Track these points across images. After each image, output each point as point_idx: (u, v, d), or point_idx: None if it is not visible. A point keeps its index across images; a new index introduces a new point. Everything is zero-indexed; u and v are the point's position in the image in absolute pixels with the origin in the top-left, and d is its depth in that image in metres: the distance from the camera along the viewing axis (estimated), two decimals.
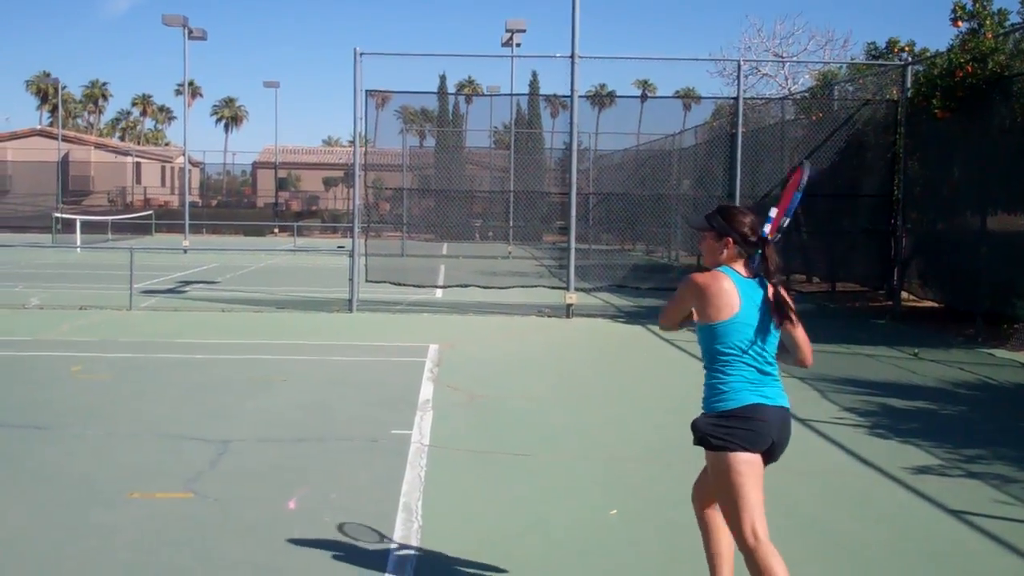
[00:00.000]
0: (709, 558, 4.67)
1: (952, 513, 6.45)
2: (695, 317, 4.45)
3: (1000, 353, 13.48)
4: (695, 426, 4.36)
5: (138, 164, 66.38)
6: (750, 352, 4.30)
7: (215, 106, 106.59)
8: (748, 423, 4.26)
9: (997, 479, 7.26)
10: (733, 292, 4.28)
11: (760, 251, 4.35)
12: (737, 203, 17.83)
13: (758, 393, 4.29)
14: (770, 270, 4.34)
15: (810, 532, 6.08)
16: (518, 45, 38.07)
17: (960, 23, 15.62)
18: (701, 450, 8.03)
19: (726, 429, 4.26)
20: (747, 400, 4.27)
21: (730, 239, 4.38)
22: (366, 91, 17.75)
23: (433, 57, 38.08)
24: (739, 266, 4.37)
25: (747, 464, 4.25)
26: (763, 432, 4.27)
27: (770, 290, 4.35)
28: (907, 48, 19.63)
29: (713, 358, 4.35)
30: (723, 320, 4.27)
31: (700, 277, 4.35)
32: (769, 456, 4.37)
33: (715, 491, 4.40)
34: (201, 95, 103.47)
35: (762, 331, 4.30)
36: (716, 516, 4.57)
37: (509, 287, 19.60)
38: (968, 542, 5.96)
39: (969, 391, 10.93)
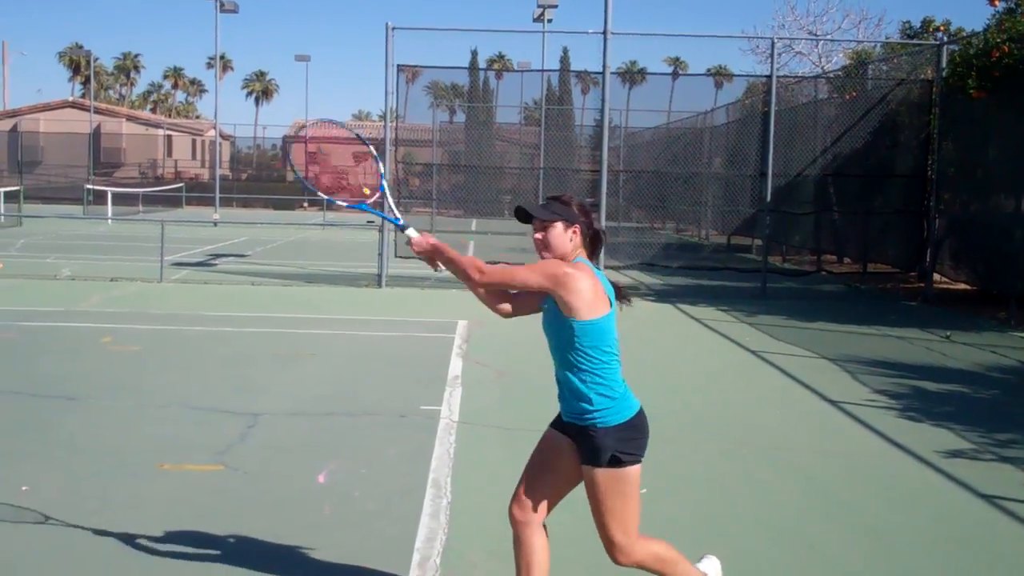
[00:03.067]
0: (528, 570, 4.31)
1: (983, 497, 6.41)
2: (567, 310, 4.04)
3: None
4: (600, 447, 4.03)
5: (169, 137, 66.63)
6: (617, 352, 4.17)
7: (246, 79, 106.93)
8: (642, 431, 4.14)
9: None
10: (599, 284, 4.11)
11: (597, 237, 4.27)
12: (769, 182, 17.72)
13: (633, 397, 4.19)
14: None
15: (840, 514, 6.05)
16: (550, 21, 37.90)
17: (997, 2, 15.46)
18: (730, 430, 8.03)
19: (633, 442, 4.09)
20: (636, 405, 4.15)
21: (578, 226, 4.18)
22: (397, 66, 17.72)
23: (464, 32, 37.93)
24: (584, 255, 4.22)
25: (638, 474, 4.14)
26: (647, 436, 4.19)
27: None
28: (942, 28, 19.45)
29: (591, 359, 4.06)
30: (604, 315, 4.08)
31: (572, 265, 4.07)
32: None
33: (603, 506, 4.10)
34: (232, 68, 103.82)
35: (615, 327, 4.20)
36: (540, 533, 4.34)
37: None
38: (998, 526, 5.92)
39: (1002, 375, 10.84)
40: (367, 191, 4.62)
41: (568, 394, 4.15)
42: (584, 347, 4.06)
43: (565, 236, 4.16)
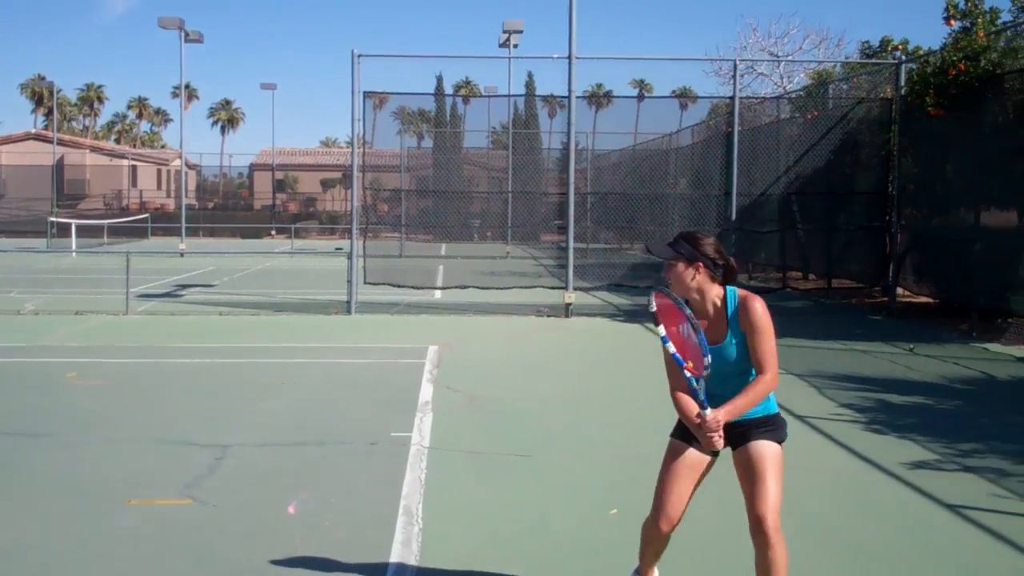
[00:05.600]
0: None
1: (948, 507, 6.50)
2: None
3: (994, 347, 13.53)
4: (784, 424, 4.51)
5: (134, 167, 66.37)
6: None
7: (212, 108, 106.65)
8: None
9: (993, 473, 7.30)
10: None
11: (727, 270, 4.48)
12: (734, 201, 17.89)
13: None
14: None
15: (809, 528, 6.11)
16: (515, 46, 38.09)
17: (953, 22, 15.67)
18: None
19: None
20: None
21: (701, 264, 4.40)
22: (364, 92, 17.79)
23: (430, 58, 37.95)
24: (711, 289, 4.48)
25: None
26: None
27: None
28: (901, 47, 19.71)
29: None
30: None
31: (759, 300, 4.44)
32: None
33: (775, 479, 4.40)
34: (197, 97, 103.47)
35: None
36: None
37: (508, 287, 19.62)
38: (964, 536, 6.00)
39: (965, 386, 10.98)
40: (691, 364, 4.37)
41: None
42: (746, 356, 4.46)
43: (686, 274, 4.40)
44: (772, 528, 4.29)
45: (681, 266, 4.40)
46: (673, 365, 4.36)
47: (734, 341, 4.40)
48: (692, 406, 4.36)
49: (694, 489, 4.60)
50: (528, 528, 6.13)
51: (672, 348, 4.34)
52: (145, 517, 6.31)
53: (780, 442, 4.46)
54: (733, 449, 4.54)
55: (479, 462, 7.68)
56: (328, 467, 7.50)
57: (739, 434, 4.47)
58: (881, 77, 19.43)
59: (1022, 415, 9.62)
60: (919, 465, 7.51)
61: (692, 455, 4.53)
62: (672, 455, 4.58)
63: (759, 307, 4.38)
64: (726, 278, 4.48)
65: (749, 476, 4.44)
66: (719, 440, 4.33)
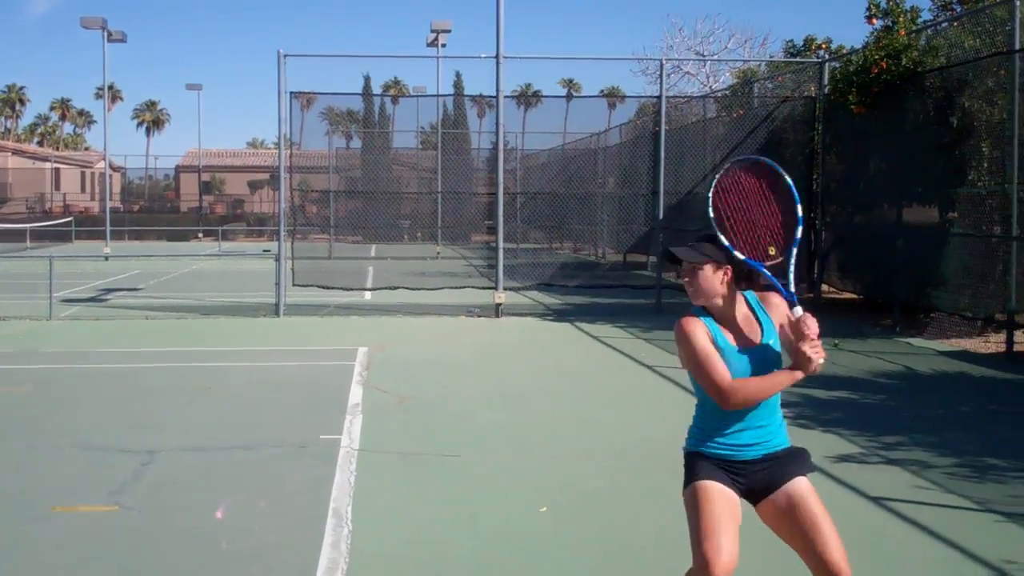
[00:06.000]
0: None
1: (872, 500, 6.61)
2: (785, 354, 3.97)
3: (917, 342, 13.81)
4: (808, 456, 4.17)
5: (57, 170, 65.19)
6: None
7: (136, 109, 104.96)
8: (691, 464, 4.21)
9: (915, 465, 7.44)
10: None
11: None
12: (662, 200, 18.03)
13: None
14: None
15: (742, 527, 6.17)
16: (443, 46, 38.10)
17: (874, 20, 15.95)
18: (632, 449, 8.16)
19: (687, 473, 4.19)
20: (694, 443, 4.24)
21: (730, 267, 3.96)
22: (290, 93, 17.66)
23: (358, 58, 37.74)
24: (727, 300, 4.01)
25: None
26: None
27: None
28: (824, 46, 19.99)
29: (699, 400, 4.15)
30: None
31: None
32: None
33: (824, 514, 4.02)
34: (122, 99, 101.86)
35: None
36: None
37: (438, 288, 19.59)
38: (888, 527, 6.11)
39: (888, 380, 11.19)
40: (773, 251, 3.99)
41: (778, 424, 4.08)
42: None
43: (715, 278, 3.95)
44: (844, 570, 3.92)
45: (710, 269, 3.94)
46: (708, 358, 3.90)
47: (772, 337, 3.98)
48: (761, 380, 3.87)
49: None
50: (457, 528, 6.14)
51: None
52: (70, 524, 6.21)
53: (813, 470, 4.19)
54: (757, 501, 4.10)
55: (409, 463, 7.66)
56: (257, 471, 7.43)
57: (764, 479, 4.05)
58: (805, 76, 19.73)
59: (944, 408, 9.82)
60: (844, 458, 7.63)
61: (730, 494, 4.03)
62: (707, 498, 3.99)
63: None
64: (751, 283, 4.04)
65: (798, 525, 4.00)
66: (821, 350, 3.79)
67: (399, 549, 5.74)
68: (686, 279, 4.01)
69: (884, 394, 10.40)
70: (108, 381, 11.30)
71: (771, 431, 4.04)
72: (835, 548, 3.93)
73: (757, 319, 4.02)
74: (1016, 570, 5.32)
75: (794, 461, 4.06)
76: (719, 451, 4.06)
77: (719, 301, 3.99)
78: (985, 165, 13.51)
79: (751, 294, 4.06)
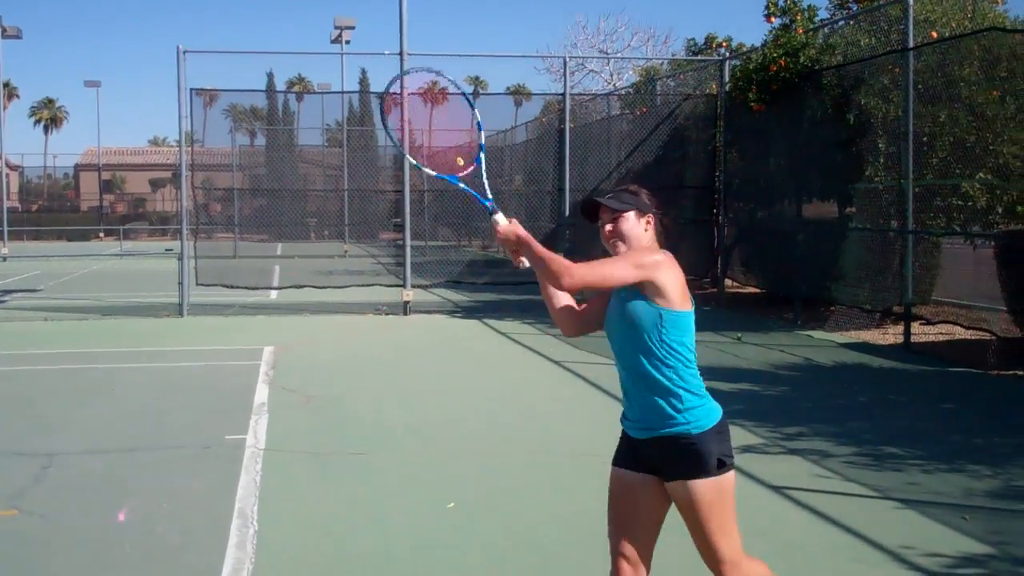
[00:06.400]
0: None
1: (773, 489, 6.74)
2: (663, 300, 3.70)
3: (818, 334, 14.11)
4: (704, 452, 3.65)
5: None
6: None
7: (33, 107, 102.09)
8: (728, 432, 3.78)
9: (815, 454, 7.61)
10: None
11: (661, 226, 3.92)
12: (568, 197, 18.15)
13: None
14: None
15: None
16: (348, 42, 37.84)
17: (773, 19, 16.25)
18: (538, 442, 8.19)
19: (727, 444, 3.73)
20: (718, 406, 3.79)
21: (651, 216, 3.88)
22: (191, 89, 17.42)
23: (261, 55, 37.12)
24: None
25: None
26: None
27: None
28: (725, 44, 20.36)
29: (678, 356, 3.72)
30: (689, 310, 3.78)
31: (659, 251, 3.79)
32: None
33: (712, 523, 3.71)
34: (18, 96, 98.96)
35: None
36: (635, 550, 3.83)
37: (346, 286, 19.46)
38: (789, 515, 6.24)
39: (789, 372, 11.42)
40: (461, 161, 3.98)
41: (651, 399, 3.70)
42: (672, 341, 3.69)
43: (639, 226, 3.83)
44: (737, 569, 3.79)
45: (633, 216, 3.82)
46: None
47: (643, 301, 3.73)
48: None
49: (655, 529, 3.89)
50: (364, 525, 6.12)
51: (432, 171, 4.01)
52: None
53: (709, 476, 3.69)
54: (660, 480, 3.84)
55: (316, 462, 7.61)
56: (160, 473, 7.31)
57: (655, 464, 3.80)
58: (706, 74, 20.03)
59: (844, 399, 10.04)
60: (746, 449, 7.76)
61: (631, 477, 3.83)
62: (609, 490, 3.89)
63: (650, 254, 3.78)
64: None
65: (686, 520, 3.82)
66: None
67: (306, 548, 5.70)
68: (608, 229, 3.85)
69: (786, 386, 10.61)
70: (5, 384, 11.01)
71: (641, 409, 3.76)
72: (708, 555, 3.79)
73: None
74: (914, 555, 5.47)
75: (685, 460, 3.69)
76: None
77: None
78: (881, 161, 13.85)
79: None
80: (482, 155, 4.01)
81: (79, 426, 8.83)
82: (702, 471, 3.64)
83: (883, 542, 5.68)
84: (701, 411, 3.68)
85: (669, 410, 3.68)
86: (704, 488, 3.65)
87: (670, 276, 3.70)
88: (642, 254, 3.72)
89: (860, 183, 14.22)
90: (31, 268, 29.21)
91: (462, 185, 4.02)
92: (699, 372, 3.78)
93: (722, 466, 3.67)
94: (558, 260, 3.65)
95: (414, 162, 4.02)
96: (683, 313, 3.72)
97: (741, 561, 3.77)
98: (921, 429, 8.59)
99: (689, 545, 3.86)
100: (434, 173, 4.00)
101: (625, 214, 3.82)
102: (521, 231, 3.72)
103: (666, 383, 3.68)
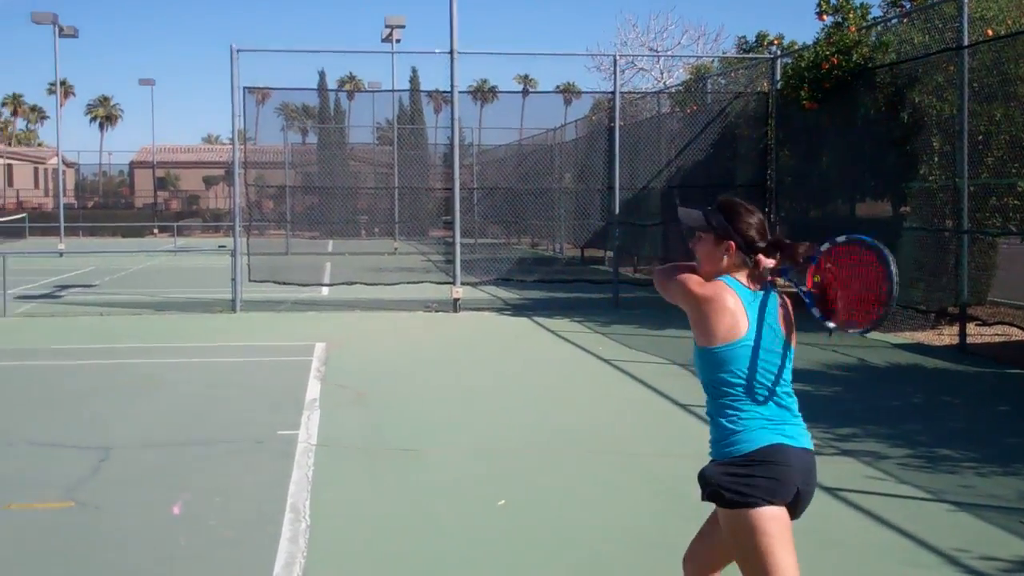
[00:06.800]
0: None
1: (826, 490, 6.68)
2: (695, 333, 3.61)
3: (871, 335, 13.95)
4: (704, 477, 3.61)
5: (9, 166, 64.37)
6: (764, 382, 3.56)
7: (89, 105, 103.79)
8: (769, 469, 3.48)
9: (869, 456, 7.54)
10: (739, 309, 3.53)
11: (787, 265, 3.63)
12: (617, 195, 18.11)
13: (778, 432, 3.54)
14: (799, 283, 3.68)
15: (697, 516, 6.21)
16: (398, 41, 38.00)
17: (825, 17, 16.10)
18: (589, 440, 8.21)
19: (744, 479, 3.49)
20: (766, 441, 3.52)
21: (732, 244, 3.61)
22: (244, 88, 17.57)
23: (313, 53, 37.57)
24: (742, 276, 3.62)
25: (774, 520, 3.48)
26: (787, 479, 3.50)
27: (783, 302, 3.69)
28: (776, 41, 20.16)
29: (717, 390, 3.59)
30: (728, 344, 3.53)
31: (701, 288, 3.57)
32: (793, 510, 3.57)
33: (737, 557, 3.59)
34: (74, 94, 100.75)
35: (778, 356, 3.62)
36: None
37: (395, 283, 19.56)
38: (841, 517, 6.18)
39: (842, 372, 11.31)
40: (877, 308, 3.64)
41: (713, 432, 3.69)
42: (702, 374, 3.64)
43: (716, 251, 3.62)
44: None
45: (710, 241, 3.64)
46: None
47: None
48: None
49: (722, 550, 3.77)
50: (415, 521, 6.15)
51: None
52: (27, 521, 6.16)
53: (721, 504, 3.58)
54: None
55: (367, 458, 7.66)
56: (213, 467, 7.40)
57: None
58: (757, 72, 19.87)
59: (897, 400, 9.94)
60: None
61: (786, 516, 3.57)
62: (777, 523, 3.52)
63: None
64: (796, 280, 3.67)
65: None
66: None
67: (357, 543, 5.75)
68: (691, 245, 3.71)
69: (839, 386, 10.52)
70: (63, 378, 11.19)
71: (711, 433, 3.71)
72: None
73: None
74: (968, 558, 5.41)
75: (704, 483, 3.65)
76: None
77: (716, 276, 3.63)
78: (936, 160, 13.67)
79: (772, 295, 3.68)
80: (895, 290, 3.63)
81: (134, 420, 8.95)
82: (708, 496, 3.61)
83: (937, 545, 5.62)
84: (729, 441, 3.57)
85: (712, 437, 3.67)
86: (722, 516, 3.59)
87: (696, 309, 3.57)
88: (681, 284, 3.62)
89: (914, 182, 14.05)
90: (87, 263, 29.63)
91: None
92: (770, 399, 3.59)
93: (719, 499, 3.55)
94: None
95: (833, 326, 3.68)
96: (718, 349, 3.54)
97: None
98: (976, 431, 8.49)
99: None
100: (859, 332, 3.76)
101: (703, 235, 3.68)
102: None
103: (716, 417, 3.65)
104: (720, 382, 3.56)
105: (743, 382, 3.54)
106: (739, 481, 3.49)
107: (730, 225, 3.61)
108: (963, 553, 5.48)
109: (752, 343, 3.54)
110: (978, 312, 13.62)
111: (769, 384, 3.57)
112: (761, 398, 3.56)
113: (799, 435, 3.59)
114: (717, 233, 3.62)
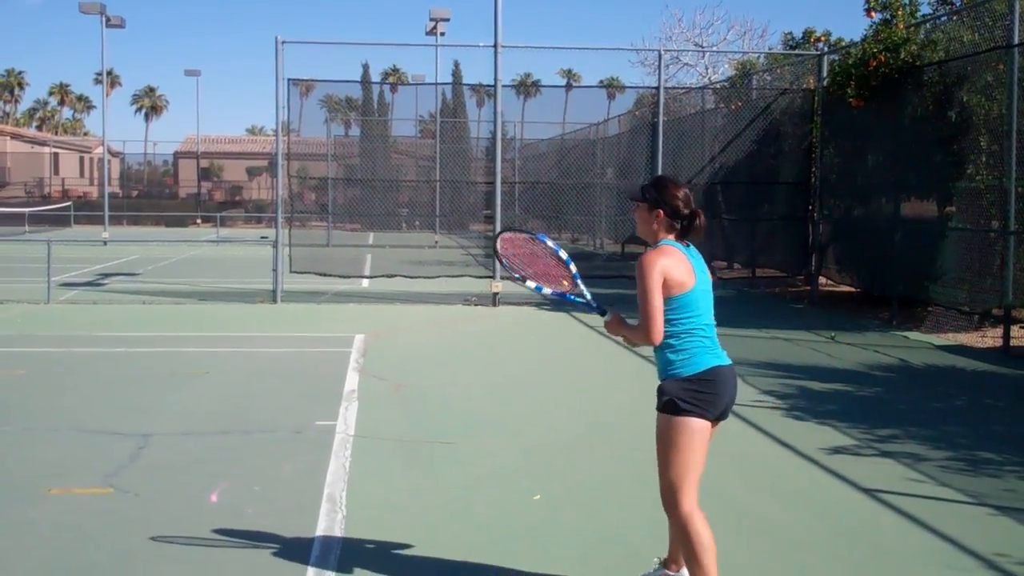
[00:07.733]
0: (701, 556, 4.42)
1: (865, 492, 6.63)
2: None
3: (914, 335, 13.82)
4: (664, 389, 4.48)
5: (56, 154, 65.12)
6: (705, 318, 4.49)
7: (135, 95, 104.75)
8: (712, 387, 4.42)
9: (909, 458, 7.46)
10: (686, 261, 4.45)
11: (690, 221, 4.50)
12: None
13: (714, 355, 4.48)
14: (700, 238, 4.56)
15: (731, 514, 6.20)
16: (442, 34, 38.03)
17: (873, 14, 15.93)
18: (625, 436, 8.16)
19: (695, 394, 4.40)
20: (709, 363, 4.45)
21: (661, 211, 4.49)
22: (289, 80, 17.63)
23: (357, 46, 37.68)
24: (672, 237, 4.52)
25: (703, 431, 4.42)
26: (723, 395, 4.46)
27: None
28: (823, 38, 20.00)
29: (674, 330, 4.45)
30: (687, 291, 4.41)
31: (654, 255, 4.42)
32: (720, 417, 4.51)
33: (661, 453, 4.51)
34: (120, 84, 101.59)
35: (709, 296, 4.55)
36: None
37: (435, 276, 19.60)
38: (880, 519, 6.13)
39: (884, 373, 11.21)
40: (565, 283, 4.96)
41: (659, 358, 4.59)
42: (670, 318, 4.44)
43: (649, 218, 4.54)
44: (680, 513, 4.46)
45: (644, 209, 4.54)
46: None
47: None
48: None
49: None
50: (452, 514, 6.15)
51: (536, 285, 4.91)
52: (66, 506, 6.22)
53: (661, 411, 4.53)
54: None
55: (404, 450, 7.68)
56: (251, 456, 7.45)
57: None
58: (803, 68, 19.72)
59: (938, 402, 9.84)
60: (838, 450, 7.66)
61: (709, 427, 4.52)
62: (704, 432, 4.48)
63: (641, 260, 4.45)
64: (687, 233, 4.55)
65: None
66: None
67: (393, 535, 5.76)
68: (633, 212, 4.64)
69: (880, 387, 10.42)
70: (105, 365, 11.30)
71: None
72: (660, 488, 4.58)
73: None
74: (1008, 563, 5.34)
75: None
76: None
77: (655, 239, 4.54)
78: (983, 159, 13.52)
79: (693, 253, 4.57)
80: (578, 278, 4.95)
81: (174, 408, 9.03)
82: (657, 404, 4.54)
83: (977, 549, 5.56)
84: (681, 364, 4.48)
85: (662, 364, 4.60)
86: (664, 421, 4.51)
87: (664, 272, 4.38)
88: (645, 269, 4.38)
89: (961, 182, 13.89)
90: (130, 252, 29.94)
91: (574, 298, 4.91)
92: (707, 332, 4.50)
93: (673, 408, 4.43)
94: (639, 330, 4.46)
95: (533, 284, 4.94)
96: (681, 296, 4.42)
97: (680, 502, 4.45)
98: (1019, 434, 8.39)
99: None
100: (549, 291, 4.95)
101: (640, 204, 4.56)
102: (616, 322, 4.66)
103: (666, 348, 4.53)
104: (677, 322, 4.43)
105: (693, 319, 4.45)
106: (691, 395, 4.41)
107: (659, 196, 4.51)
108: (1003, 558, 5.41)
109: (700, 287, 4.48)
110: (1023, 315, 13.43)
111: (708, 318, 4.51)
112: (702, 331, 4.48)
113: (724, 355, 4.54)
114: (649, 203, 4.52)
